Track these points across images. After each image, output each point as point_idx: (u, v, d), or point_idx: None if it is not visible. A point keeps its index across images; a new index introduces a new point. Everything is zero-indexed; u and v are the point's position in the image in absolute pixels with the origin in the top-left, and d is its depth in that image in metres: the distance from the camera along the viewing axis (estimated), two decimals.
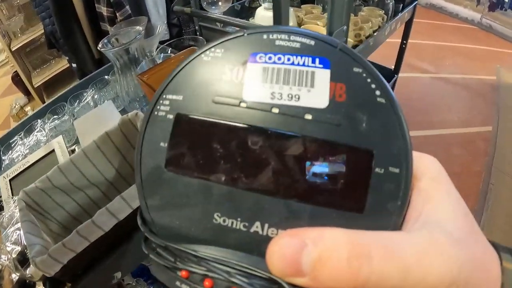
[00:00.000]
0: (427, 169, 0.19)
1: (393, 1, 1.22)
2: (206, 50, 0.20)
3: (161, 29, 0.83)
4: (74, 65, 1.47)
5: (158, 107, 0.19)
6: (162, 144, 0.19)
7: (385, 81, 0.18)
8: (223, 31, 1.00)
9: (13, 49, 2.27)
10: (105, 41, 0.81)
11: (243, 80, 0.19)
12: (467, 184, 1.96)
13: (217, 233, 0.18)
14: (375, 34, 1.01)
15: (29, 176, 0.87)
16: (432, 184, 0.18)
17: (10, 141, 0.99)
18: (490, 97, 2.89)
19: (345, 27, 0.74)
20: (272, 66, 0.18)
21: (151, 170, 0.19)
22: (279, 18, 0.57)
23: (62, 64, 2.44)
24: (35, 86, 2.41)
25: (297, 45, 0.19)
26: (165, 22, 1.32)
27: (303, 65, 0.18)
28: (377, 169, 0.17)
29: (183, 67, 0.20)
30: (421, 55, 3.34)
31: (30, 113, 2.64)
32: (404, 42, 1.58)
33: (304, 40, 0.19)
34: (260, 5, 1.10)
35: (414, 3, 1.44)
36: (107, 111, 0.84)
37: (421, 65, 3.21)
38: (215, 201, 0.18)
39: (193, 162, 0.18)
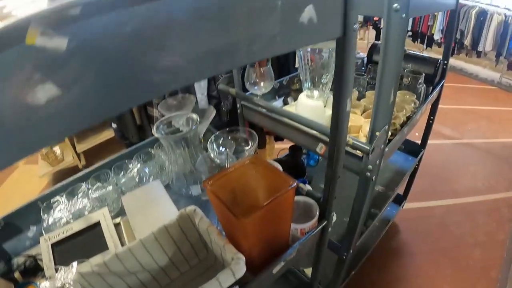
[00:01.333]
0: None
1: (425, 85, 1.27)
2: None
3: (212, 113, 0.89)
4: (114, 125, 1.55)
5: None
6: None
7: None
8: (263, 113, 1.06)
9: None
10: (158, 125, 0.87)
11: None
12: (492, 253, 1.92)
13: None
14: (409, 122, 1.05)
15: (73, 245, 0.89)
16: None
17: (51, 201, 1.02)
18: None
19: (387, 127, 0.78)
20: None
21: None
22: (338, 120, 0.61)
23: None
24: None
25: None
26: (205, 93, 1.40)
27: None
28: None
29: None
30: (444, 120, 3.38)
31: (58, 153, 2.75)
32: (432, 117, 1.61)
33: None
34: (299, 88, 1.16)
35: (442, 82, 1.49)
36: (155, 190, 0.88)
37: (444, 130, 3.24)
38: None
39: None
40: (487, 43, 4.30)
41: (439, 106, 1.60)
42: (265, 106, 0.96)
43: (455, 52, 4.68)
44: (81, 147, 2.61)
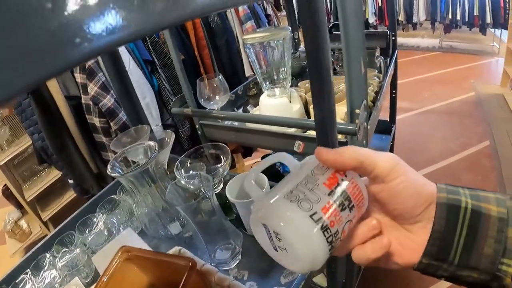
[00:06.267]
0: None
1: (382, 57, 1.24)
2: None
3: (171, 138, 0.79)
4: (70, 181, 1.40)
5: None
6: None
7: None
8: (225, 126, 0.97)
9: (0, 163, 2.20)
10: (113, 163, 0.76)
11: None
12: None
13: None
14: (379, 96, 1.00)
15: None
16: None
17: (16, 281, 0.88)
18: (476, 113, 2.96)
19: (365, 101, 0.72)
20: None
21: None
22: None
23: (53, 175, 2.37)
24: (28, 199, 2.30)
25: None
26: (160, 124, 1.30)
27: None
28: None
29: None
30: (399, 95, 3.42)
31: (24, 227, 2.53)
32: (394, 91, 1.60)
33: None
34: (257, 93, 1.09)
35: (396, 53, 1.48)
36: (127, 240, 0.76)
37: (403, 104, 3.29)
38: None
39: None
40: (420, 13, 4.48)
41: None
42: (227, 116, 0.87)
43: None
44: (46, 214, 2.41)
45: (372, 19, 4.70)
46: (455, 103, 3.25)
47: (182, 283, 0.40)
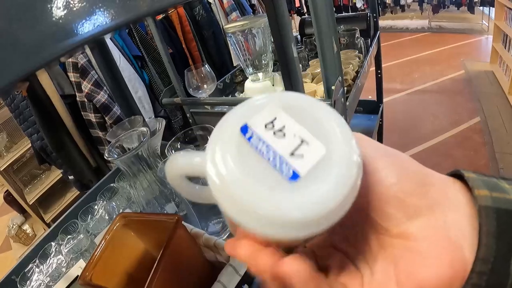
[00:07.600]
0: None
1: (363, 39, 1.28)
2: None
3: (162, 125, 0.84)
4: (70, 177, 1.45)
5: None
6: None
7: None
8: (214, 112, 1.02)
9: (0, 169, 2.25)
10: (110, 149, 0.81)
11: None
12: None
13: None
14: (359, 75, 1.05)
15: None
16: None
17: (25, 270, 0.94)
18: (467, 91, 3.00)
19: (340, 78, 0.76)
20: None
21: None
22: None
23: (52, 176, 2.43)
24: (30, 203, 2.35)
25: None
26: (153, 116, 1.35)
27: None
28: None
29: None
30: (390, 77, 3.49)
31: (28, 231, 2.58)
32: (379, 71, 1.64)
33: None
34: (243, 80, 1.13)
35: (377, 34, 1.52)
36: None
37: (394, 86, 3.34)
38: None
39: None
40: None
41: (382, 65, 1.63)
42: (213, 101, 0.92)
43: (380, 13, 4.87)
44: (49, 216, 2.47)
45: (359, 4, 4.72)
46: (445, 81, 3.29)
47: (168, 237, 0.44)
